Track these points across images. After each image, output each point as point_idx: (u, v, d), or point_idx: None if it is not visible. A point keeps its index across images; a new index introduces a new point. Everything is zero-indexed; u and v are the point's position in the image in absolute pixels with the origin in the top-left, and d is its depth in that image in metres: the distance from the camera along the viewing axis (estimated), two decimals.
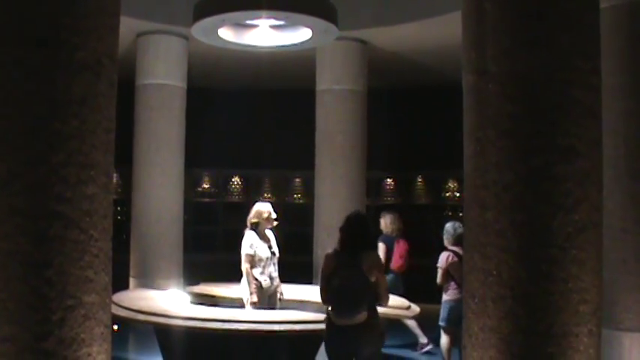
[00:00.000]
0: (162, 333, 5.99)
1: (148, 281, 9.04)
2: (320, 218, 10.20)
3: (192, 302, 6.79)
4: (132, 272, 9.44)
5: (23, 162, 2.98)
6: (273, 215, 6.74)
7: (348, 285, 4.68)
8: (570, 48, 3.46)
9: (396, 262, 8.54)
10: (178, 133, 9.81)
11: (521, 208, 3.42)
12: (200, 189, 14.37)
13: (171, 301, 6.50)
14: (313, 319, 5.59)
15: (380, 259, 4.84)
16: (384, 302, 4.88)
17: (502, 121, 3.47)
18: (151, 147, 9.54)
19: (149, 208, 9.49)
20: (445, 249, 7.17)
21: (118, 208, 12.76)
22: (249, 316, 5.61)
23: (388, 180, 14.55)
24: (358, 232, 4.90)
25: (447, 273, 7.02)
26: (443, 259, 7.07)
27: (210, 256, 12.96)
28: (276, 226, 6.85)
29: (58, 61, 3.00)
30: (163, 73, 9.61)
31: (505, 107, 3.47)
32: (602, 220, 3.60)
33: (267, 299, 6.47)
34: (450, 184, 14.24)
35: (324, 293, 4.91)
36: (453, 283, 6.99)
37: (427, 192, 14.50)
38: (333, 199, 10.03)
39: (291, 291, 6.94)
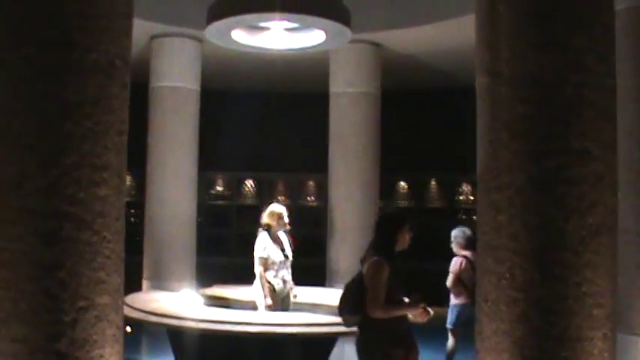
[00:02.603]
0: (175, 335, 6.00)
1: (161, 283, 9.07)
2: (333, 221, 10.20)
3: (204, 304, 6.79)
4: (145, 274, 9.47)
5: (35, 163, 3.00)
6: (287, 218, 6.72)
7: (346, 284, 4.67)
8: (584, 50, 3.44)
9: None
10: (192, 135, 9.83)
11: (534, 211, 3.39)
12: (214, 192, 14.39)
13: (184, 303, 6.51)
14: (326, 321, 5.58)
15: (377, 267, 4.51)
16: (370, 312, 4.46)
17: (515, 123, 3.45)
18: (165, 149, 9.57)
19: (162, 211, 9.52)
20: (455, 254, 7.20)
21: (132, 211, 12.79)
22: (262, 319, 5.60)
23: (402, 183, 14.51)
24: (377, 234, 4.77)
25: (458, 278, 7.04)
26: (456, 264, 7.10)
27: (224, 259, 12.97)
28: (290, 229, 6.83)
29: (70, 62, 3.02)
30: (177, 75, 9.65)
31: (518, 109, 3.45)
32: (617, 224, 3.57)
33: (280, 302, 6.46)
34: (463, 188, 14.19)
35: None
36: (463, 289, 7.02)
37: (441, 195, 14.46)
38: (347, 202, 10.02)
39: (304, 294, 6.92)
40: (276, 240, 6.60)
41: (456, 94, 13.05)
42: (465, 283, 7.00)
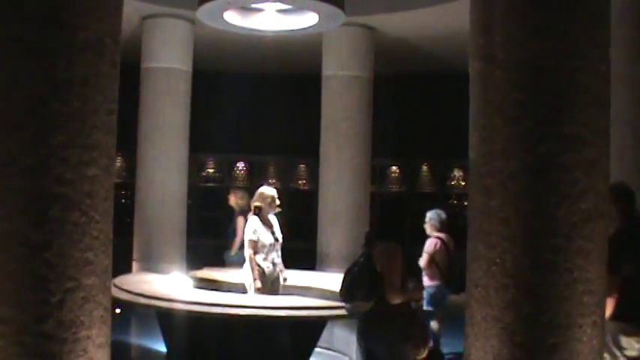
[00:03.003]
0: (164, 317, 5.98)
1: (151, 265, 9.03)
2: (324, 205, 10.18)
3: (194, 287, 6.78)
4: (135, 256, 9.44)
5: (23, 143, 2.96)
6: (277, 201, 6.69)
7: (355, 270, 4.53)
8: (579, 35, 3.41)
9: None
10: (183, 117, 9.76)
11: (526, 197, 3.38)
12: (205, 174, 14.35)
13: (174, 285, 6.48)
14: (317, 305, 5.57)
15: (394, 250, 4.53)
16: (390, 298, 4.47)
17: (508, 108, 3.43)
18: (156, 131, 9.51)
19: (153, 192, 9.46)
20: (428, 236, 7.33)
21: (123, 192, 12.75)
22: (253, 302, 5.58)
23: (393, 167, 14.51)
24: (380, 218, 4.78)
25: (432, 259, 7.15)
26: (431, 245, 7.23)
27: (214, 241, 12.92)
28: (280, 212, 6.80)
29: (59, 39, 2.97)
30: (169, 56, 9.56)
31: (512, 94, 3.42)
32: (607, 211, 3.57)
33: (269, 285, 6.44)
34: (455, 173, 14.20)
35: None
36: (437, 270, 7.13)
37: (432, 180, 14.46)
38: (338, 186, 10.00)
39: (294, 277, 6.91)
40: (267, 223, 6.58)
41: (448, 79, 13.00)
42: (439, 264, 7.14)
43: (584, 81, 3.39)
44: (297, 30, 8.01)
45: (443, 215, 7.44)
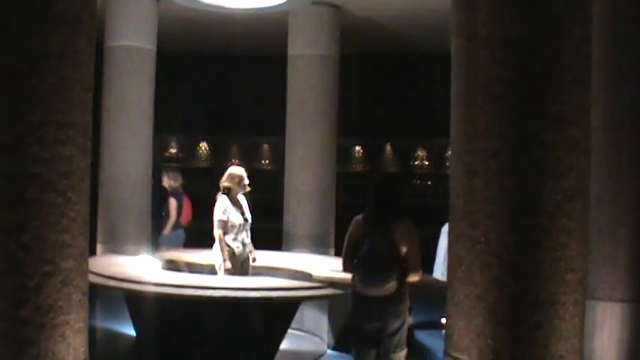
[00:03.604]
0: (134, 300, 5.87)
1: (116, 247, 8.85)
2: (290, 184, 10.10)
3: (163, 268, 6.68)
4: (99, 237, 9.24)
5: None
6: (246, 180, 6.60)
7: (379, 252, 4.41)
8: (563, 12, 3.40)
9: (186, 218, 8.90)
10: (148, 96, 9.54)
11: (510, 175, 3.37)
12: (167, 154, 14.14)
13: (143, 267, 6.37)
14: (289, 285, 5.53)
15: (414, 228, 4.57)
16: (417, 274, 4.51)
17: (492, 85, 3.41)
18: (120, 110, 9.27)
19: (117, 173, 9.25)
20: None
21: None
22: (224, 283, 5.51)
23: (357, 147, 14.48)
24: (390, 197, 4.66)
25: None
26: None
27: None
28: (249, 190, 6.71)
29: (34, 13, 2.84)
30: (133, 34, 9.31)
31: (495, 72, 3.40)
32: (589, 190, 3.58)
33: (239, 266, 6.38)
34: (419, 153, 14.22)
35: (348, 260, 4.60)
36: None
37: (396, 160, 14.47)
38: (304, 166, 9.92)
39: (262, 257, 6.86)
40: (236, 203, 6.49)
41: (413, 59, 13.04)
42: None
43: (568, 59, 3.39)
44: (264, 8, 7.89)
45: None
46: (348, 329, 4.61)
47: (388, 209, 4.56)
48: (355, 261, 4.45)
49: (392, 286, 4.42)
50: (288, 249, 9.67)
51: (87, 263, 3.25)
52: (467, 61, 3.55)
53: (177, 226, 8.63)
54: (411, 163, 14.31)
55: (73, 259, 3.06)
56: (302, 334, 7.00)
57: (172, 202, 8.51)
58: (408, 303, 4.60)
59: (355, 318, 4.56)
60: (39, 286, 2.92)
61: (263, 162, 14.42)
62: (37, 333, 2.91)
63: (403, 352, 4.55)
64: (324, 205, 9.97)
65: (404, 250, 4.42)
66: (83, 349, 3.16)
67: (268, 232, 9.56)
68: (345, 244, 4.67)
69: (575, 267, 3.41)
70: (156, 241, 8.75)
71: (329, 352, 6.76)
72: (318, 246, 9.68)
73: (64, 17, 2.89)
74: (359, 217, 4.74)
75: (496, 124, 3.39)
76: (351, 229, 4.68)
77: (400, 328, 4.53)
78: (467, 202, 3.49)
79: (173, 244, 8.56)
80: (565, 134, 3.37)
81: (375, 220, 4.53)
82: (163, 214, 8.79)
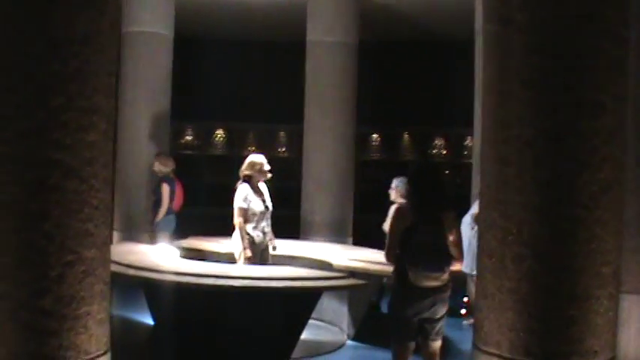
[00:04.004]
0: (152, 289, 5.80)
1: (132, 235, 8.82)
2: (308, 172, 10.01)
3: (181, 256, 6.61)
4: (115, 225, 9.20)
5: (18, 106, 2.75)
6: (267, 167, 6.51)
7: (434, 242, 4.27)
8: None
9: (177, 203, 8.71)
10: (165, 82, 9.48)
11: (544, 165, 3.26)
12: (183, 141, 14.09)
13: (162, 255, 6.30)
14: (311, 275, 5.44)
15: (457, 220, 4.55)
16: (460, 263, 4.42)
17: (527, 73, 3.29)
18: (137, 97, 9.22)
19: (134, 160, 9.21)
20: (392, 202, 7.36)
21: None
22: (245, 272, 5.43)
23: (374, 135, 14.37)
24: (438, 186, 4.53)
25: None
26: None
27: (193, 210, 12.72)
28: (270, 178, 6.62)
29: None
30: (150, 20, 9.24)
31: (531, 58, 3.29)
32: (624, 181, 3.47)
33: (259, 254, 6.30)
34: (437, 142, 14.10)
35: (393, 250, 4.43)
36: None
37: (413, 149, 14.35)
38: (322, 153, 9.83)
39: (281, 246, 6.78)
40: (257, 191, 6.41)
41: (432, 47, 12.89)
42: None
43: (606, 45, 3.26)
44: None
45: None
46: (392, 321, 4.44)
47: (437, 198, 4.44)
48: (406, 252, 4.30)
49: (447, 276, 4.34)
50: (306, 237, 9.58)
51: (109, 253, 3.18)
52: (500, 46, 3.43)
53: (169, 211, 8.53)
54: (429, 151, 14.19)
55: (95, 248, 2.99)
56: (321, 324, 6.91)
57: (165, 188, 8.39)
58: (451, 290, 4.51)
59: (404, 310, 4.37)
60: (61, 275, 2.85)
61: (279, 149, 14.34)
62: (59, 324, 2.85)
63: (440, 341, 4.48)
64: (342, 193, 9.87)
65: (450, 238, 4.32)
66: (105, 339, 3.10)
67: (284, 219, 9.48)
68: (389, 234, 4.50)
69: (610, 260, 3.31)
70: (149, 228, 8.61)
71: (349, 342, 6.68)
72: (337, 234, 9.59)
73: None
74: (403, 205, 4.58)
75: (530, 113, 3.27)
76: (396, 218, 4.49)
77: (444, 315, 4.46)
78: (499, 192, 3.39)
79: (166, 230, 8.48)
80: (601, 123, 3.25)
81: (427, 209, 4.40)
82: (155, 199, 8.62)
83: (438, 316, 4.38)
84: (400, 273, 4.35)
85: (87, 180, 2.91)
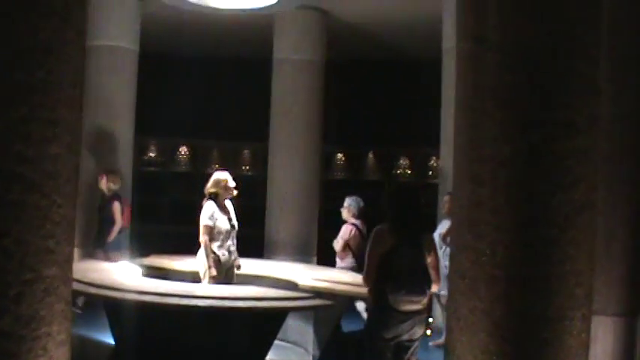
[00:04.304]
0: (114, 308, 5.64)
1: (92, 251, 8.60)
2: (273, 190, 9.94)
3: (143, 275, 6.45)
4: (76, 241, 8.95)
5: None
6: (232, 184, 6.41)
7: (417, 267, 4.24)
8: (575, 17, 3.27)
9: (127, 219, 8.68)
10: (130, 97, 9.34)
11: (518, 185, 3.23)
12: (146, 157, 13.89)
13: (124, 273, 6.14)
14: (277, 295, 5.34)
15: (433, 241, 4.59)
16: (437, 285, 4.48)
17: (502, 91, 3.27)
18: (100, 111, 9.05)
19: (96, 174, 9.02)
20: (344, 221, 7.67)
21: None
22: (211, 292, 5.30)
23: (339, 155, 14.34)
24: (417, 208, 4.49)
25: (347, 244, 7.52)
26: (346, 231, 7.58)
27: (155, 227, 12.54)
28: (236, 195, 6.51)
29: (21, 2, 2.64)
30: (116, 34, 9.11)
31: (505, 77, 3.26)
32: (598, 201, 3.45)
33: (224, 273, 6.18)
34: (401, 161, 14.11)
35: (372, 274, 4.35)
36: (350, 254, 7.51)
37: (378, 168, 14.34)
38: (287, 172, 9.78)
39: (245, 265, 6.67)
40: (223, 208, 6.30)
41: (398, 67, 12.93)
42: (352, 249, 7.51)
43: (579, 65, 3.26)
44: (251, 10, 7.73)
45: (361, 203, 7.74)
46: (370, 343, 4.37)
47: (418, 220, 4.39)
48: (387, 276, 4.23)
49: (426, 299, 4.33)
50: (270, 256, 9.49)
51: (71, 271, 3.05)
52: (473, 65, 3.40)
53: (120, 230, 8.39)
54: (394, 171, 14.20)
55: (57, 267, 2.85)
56: (286, 344, 6.81)
57: (116, 206, 8.24)
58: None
59: (383, 333, 4.30)
60: (20, 294, 2.71)
61: (243, 167, 14.22)
62: (17, 346, 2.70)
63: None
64: (307, 212, 9.82)
65: (429, 260, 4.29)
66: None
67: (247, 238, 9.38)
68: (368, 257, 4.41)
69: (583, 281, 3.29)
70: (102, 248, 8.38)
71: None
72: (301, 253, 9.53)
73: (52, 7, 2.70)
74: (382, 228, 4.47)
75: (505, 132, 3.24)
76: (376, 241, 4.40)
77: (421, 335, 4.46)
78: (472, 212, 3.34)
79: (119, 249, 8.34)
80: (575, 143, 3.24)
81: (409, 232, 4.33)
82: (106, 218, 8.40)
83: (416, 337, 4.33)
84: (379, 297, 4.29)
85: (49, 195, 2.78)
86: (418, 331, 4.34)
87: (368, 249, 4.44)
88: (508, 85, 3.24)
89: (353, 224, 7.59)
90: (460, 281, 3.39)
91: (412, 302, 4.24)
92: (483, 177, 3.29)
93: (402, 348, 4.33)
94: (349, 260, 7.54)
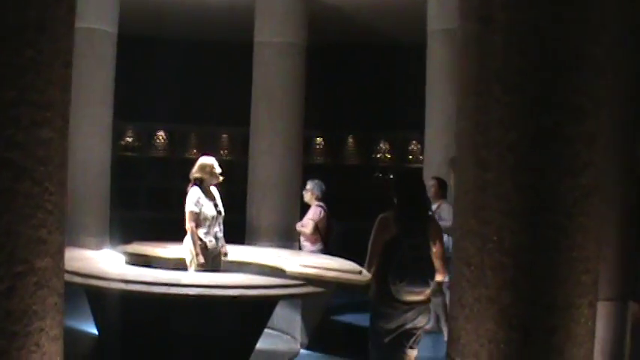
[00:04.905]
0: (98, 297, 5.49)
1: (72, 239, 8.39)
2: (255, 176, 9.81)
3: (126, 263, 6.30)
4: None
5: None
6: (218, 169, 6.26)
7: (422, 256, 4.11)
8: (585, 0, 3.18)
9: None
10: (108, 81, 9.13)
11: (526, 170, 3.13)
12: (123, 142, 13.65)
13: (108, 262, 5.98)
14: (267, 283, 5.23)
15: (441, 227, 4.44)
16: (442, 275, 4.35)
17: (509, 75, 3.15)
18: (79, 94, 8.79)
19: (74, 160, 8.77)
20: (307, 205, 8.05)
21: None
22: (198, 280, 5.18)
23: (318, 139, 14.22)
24: (422, 196, 4.39)
25: (316, 226, 7.76)
26: (316, 213, 7.82)
27: (133, 213, 12.33)
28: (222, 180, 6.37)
29: None
30: (94, 17, 8.87)
31: (513, 60, 3.15)
32: (605, 187, 3.38)
33: (211, 261, 6.05)
34: (381, 145, 14.04)
35: (374, 262, 4.26)
36: (319, 236, 7.74)
37: (358, 153, 14.27)
38: (270, 157, 9.65)
39: (231, 252, 6.54)
40: (209, 194, 6.16)
41: (379, 51, 12.81)
42: (321, 231, 7.75)
43: (590, 48, 3.16)
44: None
45: (323, 186, 8.05)
46: (373, 333, 4.28)
47: (422, 207, 4.27)
48: (390, 266, 4.12)
49: (429, 289, 4.23)
50: (252, 242, 9.36)
51: (63, 261, 2.90)
52: (479, 46, 3.29)
53: None
54: (373, 155, 14.13)
55: (49, 257, 2.70)
56: (274, 332, 6.71)
57: None
58: None
59: (386, 324, 4.21)
60: (11, 288, 2.55)
61: (222, 152, 14.04)
62: (8, 343, 2.55)
63: (417, 350, 4.36)
64: (289, 197, 9.70)
65: (434, 250, 4.17)
66: (59, 358, 2.82)
67: (228, 224, 9.24)
68: (371, 244, 4.31)
69: (590, 268, 3.21)
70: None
71: (303, 351, 6.50)
72: (283, 239, 9.40)
73: None
74: (387, 216, 4.36)
75: (513, 116, 3.14)
76: (380, 229, 4.30)
77: (425, 323, 4.41)
78: (477, 198, 3.24)
79: None
80: (583, 127, 3.15)
81: (413, 220, 4.21)
82: None
83: (420, 325, 4.25)
84: (382, 286, 4.20)
85: (40, 182, 2.63)
86: (423, 319, 4.26)
87: (372, 236, 4.34)
88: (515, 68, 3.14)
89: (319, 206, 7.81)
90: (465, 268, 3.29)
91: (414, 293, 4.15)
92: (489, 161, 3.19)
93: (405, 335, 4.24)
94: (320, 245, 7.70)
